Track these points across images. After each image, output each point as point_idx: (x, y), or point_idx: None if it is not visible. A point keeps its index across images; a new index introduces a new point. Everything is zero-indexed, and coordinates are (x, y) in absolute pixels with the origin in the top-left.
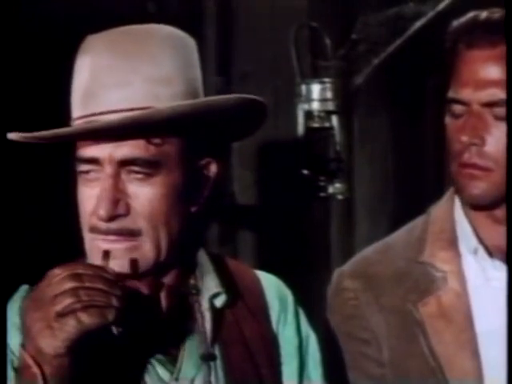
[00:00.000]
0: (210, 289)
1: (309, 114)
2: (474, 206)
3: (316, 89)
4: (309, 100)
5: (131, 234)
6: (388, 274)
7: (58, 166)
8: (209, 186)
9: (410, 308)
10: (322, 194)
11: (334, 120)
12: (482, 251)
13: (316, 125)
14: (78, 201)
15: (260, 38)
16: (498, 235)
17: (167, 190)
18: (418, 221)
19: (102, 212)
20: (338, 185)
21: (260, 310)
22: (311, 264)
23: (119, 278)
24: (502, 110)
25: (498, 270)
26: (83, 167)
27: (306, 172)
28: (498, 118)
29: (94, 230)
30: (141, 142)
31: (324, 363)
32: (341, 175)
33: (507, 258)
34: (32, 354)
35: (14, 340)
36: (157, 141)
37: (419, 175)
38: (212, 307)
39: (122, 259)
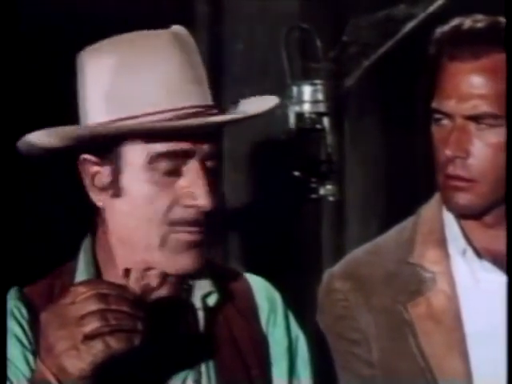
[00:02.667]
0: (202, 287)
1: (300, 116)
2: (461, 215)
3: (307, 91)
4: (300, 102)
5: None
6: (378, 275)
7: (58, 163)
8: None
9: (399, 309)
10: (313, 196)
11: (325, 122)
12: (470, 252)
13: (307, 126)
14: None
15: (251, 39)
16: (487, 237)
17: None
18: (408, 222)
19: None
20: (329, 186)
21: (250, 311)
22: (302, 265)
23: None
24: (485, 122)
25: (487, 272)
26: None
27: (297, 174)
28: (481, 128)
29: None
30: None
31: (313, 364)
32: (332, 177)
33: (507, 258)
34: (53, 371)
35: (13, 350)
36: None
37: (410, 177)
38: (204, 306)
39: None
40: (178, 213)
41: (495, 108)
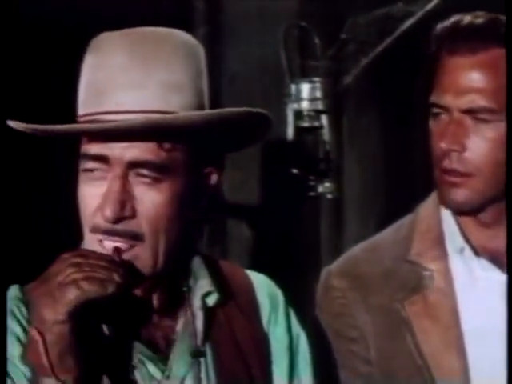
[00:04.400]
0: (202, 287)
1: (298, 114)
2: (457, 212)
3: (305, 88)
4: (298, 99)
5: (134, 237)
6: (375, 273)
7: (57, 163)
8: (209, 194)
9: (397, 307)
10: (312, 194)
11: (324, 119)
12: (468, 250)
13: (306, 124)
14: (78, 198)
15: (249, 37)
16: (484, 236)
17: (172, 196)
18: (406, 219)
19: (109, 213)
20: (327, 184)
21: (251, 309)
22: (301, 263)
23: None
24: (482, 117)
25: (485, 270)
26: (88, 164)
27: (295, 171)
28: (478, 123)
29: (96, 229)
30: (152, 146)
31: (314, 362)
32: (330, 174)
33: (507, 256)
34: (36, 325)
35: (12, 350)
36: (167, 146)
37: (408, 174)
38: (204, 306)
39: None
40: (97, 220)
41: (492, 103)
